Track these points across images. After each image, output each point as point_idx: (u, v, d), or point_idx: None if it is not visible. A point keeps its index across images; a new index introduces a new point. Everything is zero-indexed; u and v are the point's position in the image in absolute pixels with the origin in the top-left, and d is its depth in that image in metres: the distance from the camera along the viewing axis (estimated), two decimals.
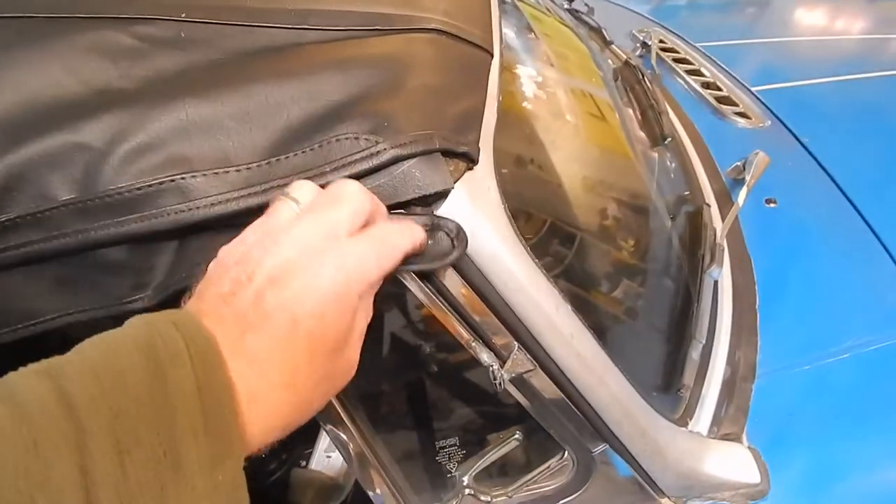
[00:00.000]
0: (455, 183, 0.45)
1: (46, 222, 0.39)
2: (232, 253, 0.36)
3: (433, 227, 0.45)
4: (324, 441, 0.92)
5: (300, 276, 0.34)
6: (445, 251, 0.45)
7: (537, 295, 0.52)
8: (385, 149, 0.41)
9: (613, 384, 0.58)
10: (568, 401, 0.58)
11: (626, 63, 1.27)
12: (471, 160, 0.47)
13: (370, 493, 0.63)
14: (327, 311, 0.35)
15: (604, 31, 1.47)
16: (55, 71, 0.40)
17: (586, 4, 1.60)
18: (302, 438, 0.96)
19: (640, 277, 0.80)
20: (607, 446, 0.62)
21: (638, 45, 1.72)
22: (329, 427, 0.60)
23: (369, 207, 0.39)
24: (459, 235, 0.45)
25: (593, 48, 1.25)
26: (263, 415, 0.33)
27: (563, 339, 0.54)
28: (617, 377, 0.59)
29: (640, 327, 0.79)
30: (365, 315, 0.39)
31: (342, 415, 0.59)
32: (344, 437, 0.61)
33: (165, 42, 0.44)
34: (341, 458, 0.63)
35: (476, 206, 0.47)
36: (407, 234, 0.41)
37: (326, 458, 0.91)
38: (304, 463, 0.95)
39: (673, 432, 0.66)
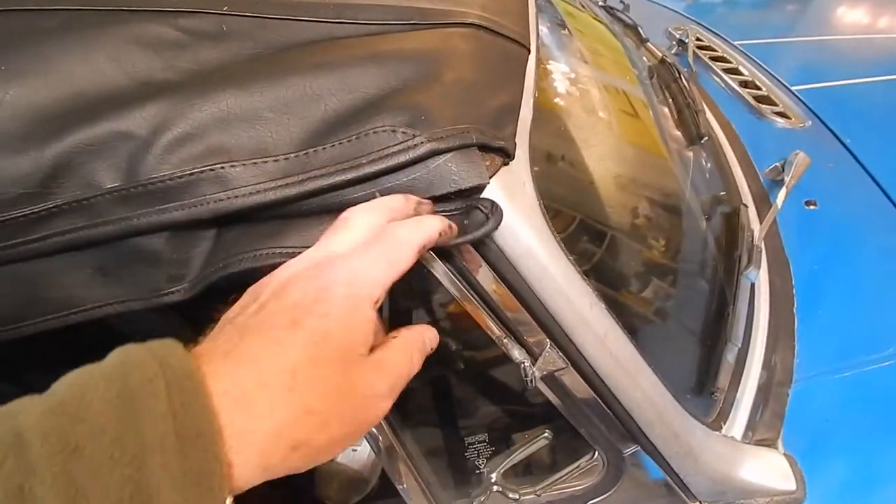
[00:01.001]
0: (490, 178, 0.45)
1: (91, 209, 0.40)
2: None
3: (469, 208, 0.45)
4: None
5: (303, 284, 0.33)
6: (480, 223, 0.45)
7: (571, 293, 0.51)
8: (422, 142, 0.41)
9: (647, 385, 0.57)
10: (600, 400, 0.57)
11: (662, 61, 1.25)
12: (507, 155, 0.47)
13: (398, 487, 0.64)
14: (332, 311, 0.32)
15: (639, 28, 1.45)
16: (101, 62, 0.41)
17: (622, 1, 1.58)
18: None
19: (675, 278, 0.79)
20: (638, 448, 0.61)
21: (674, 42, 1.69)
22: None
23: (378, 220, 0.38)
24: (494, 209, 0.45)
25: (628, 45, 1.23)
26: (257, 425, 0.28)
27: (597, 338, 0.53)
28: (650, 378, 0.58)
29: (673, 328, 0.78)
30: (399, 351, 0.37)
31: None
32: (374, 430, 0.61)
33: (207, 35, 0.45)
34: (367, 452, 0.63)
35: (511, 202, 0.47)
36: (417, 228, 0.38)
37: (352, 452, 0.92)
38: None
39: (706, 436, 0.64)
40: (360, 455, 0.90)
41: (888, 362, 0.83)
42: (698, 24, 1.90)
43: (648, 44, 1.45)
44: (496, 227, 0.45)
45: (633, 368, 0.56)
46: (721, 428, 0.70)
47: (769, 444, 0.72)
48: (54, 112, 0.39)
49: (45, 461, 0.23)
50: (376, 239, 0.37)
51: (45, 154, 0.39)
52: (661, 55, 1.32)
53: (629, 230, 0.74)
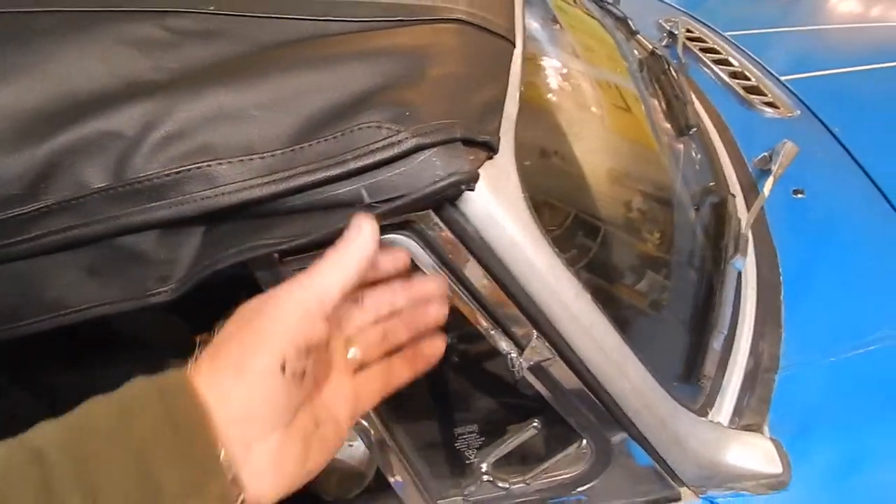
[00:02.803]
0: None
1: (81, 208, 0.41)
2: None
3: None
4: None
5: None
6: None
7: (556, 284, 0.52)
8: (406, 138, 0.42)
9: (633, 374, 0.58)
10: (587, 390, 0.58)
11: (652, 53, 1.26)
12: (491, 149, 0.48)
13: (391, 480, 0.65)
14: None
15: (629, 21, 1.45)
16: (91, 62, 0.42)
17: None
18: None
19: (663, 268, 0.79)
20: (626, 435, 0.63)
21: (664, 34, 1.69)
22: None
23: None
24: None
25: (619, 38, 1.24)
26: (248, 432, 0.32)
27: (583, 329, 0.54)
28: (637, 367, 0.59)
29: (661, 317, 0.79)
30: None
31: None
32: (365, 423, 0.62)
33: (195, 34, 0.45)
34: (362, 447, 0.64)
35: (496, 194, 0.48)
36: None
37: (349, 447, 0.93)
38: None
39: (693, 422, 0.65)
40: (356, 450, 0.91)
41: (872, 347, 0.84)
42: (689, 15, 1.90)
43: (638, 36, 1.45)
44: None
45: (620, 358, 0.57)
46: (707, 414, 0.71)
47: (755, 429, 0.73)
48: (46, 112, 0.40)
49: (62, 467, 0.27)
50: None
51: (36, 155, 0.39)
52: (651, 47, 1.33)
53: (618, 222, 0.75)
